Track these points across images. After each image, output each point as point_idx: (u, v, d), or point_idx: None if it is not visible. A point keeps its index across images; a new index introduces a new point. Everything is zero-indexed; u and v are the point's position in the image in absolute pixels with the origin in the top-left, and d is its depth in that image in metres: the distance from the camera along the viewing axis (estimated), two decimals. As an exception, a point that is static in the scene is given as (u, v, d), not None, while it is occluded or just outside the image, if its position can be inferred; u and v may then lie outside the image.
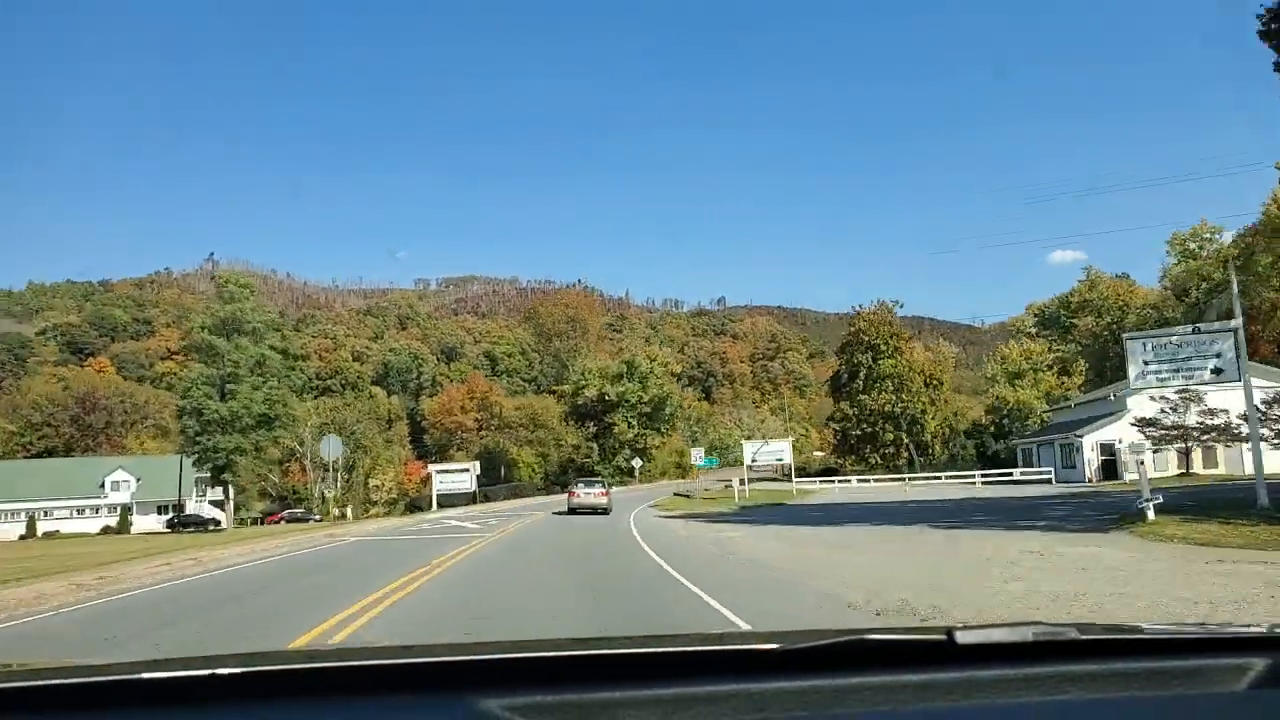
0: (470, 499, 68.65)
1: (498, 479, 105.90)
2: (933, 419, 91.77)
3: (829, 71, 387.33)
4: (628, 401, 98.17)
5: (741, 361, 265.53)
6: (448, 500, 71.48)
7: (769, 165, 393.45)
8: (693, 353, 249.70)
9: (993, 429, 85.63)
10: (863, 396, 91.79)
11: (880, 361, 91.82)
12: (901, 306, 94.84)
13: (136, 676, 1.60)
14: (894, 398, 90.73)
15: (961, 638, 1.73)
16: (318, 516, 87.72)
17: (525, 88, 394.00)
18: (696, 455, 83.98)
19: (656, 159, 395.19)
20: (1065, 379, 79.58)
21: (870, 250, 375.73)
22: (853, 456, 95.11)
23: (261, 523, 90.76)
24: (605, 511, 42.79)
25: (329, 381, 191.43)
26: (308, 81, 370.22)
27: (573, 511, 42.94)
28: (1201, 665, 1.76)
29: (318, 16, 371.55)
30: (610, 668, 1.72)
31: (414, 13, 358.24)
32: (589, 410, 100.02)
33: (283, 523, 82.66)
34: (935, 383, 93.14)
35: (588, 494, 44.10)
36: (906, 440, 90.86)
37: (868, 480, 76.28)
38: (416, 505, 79.86)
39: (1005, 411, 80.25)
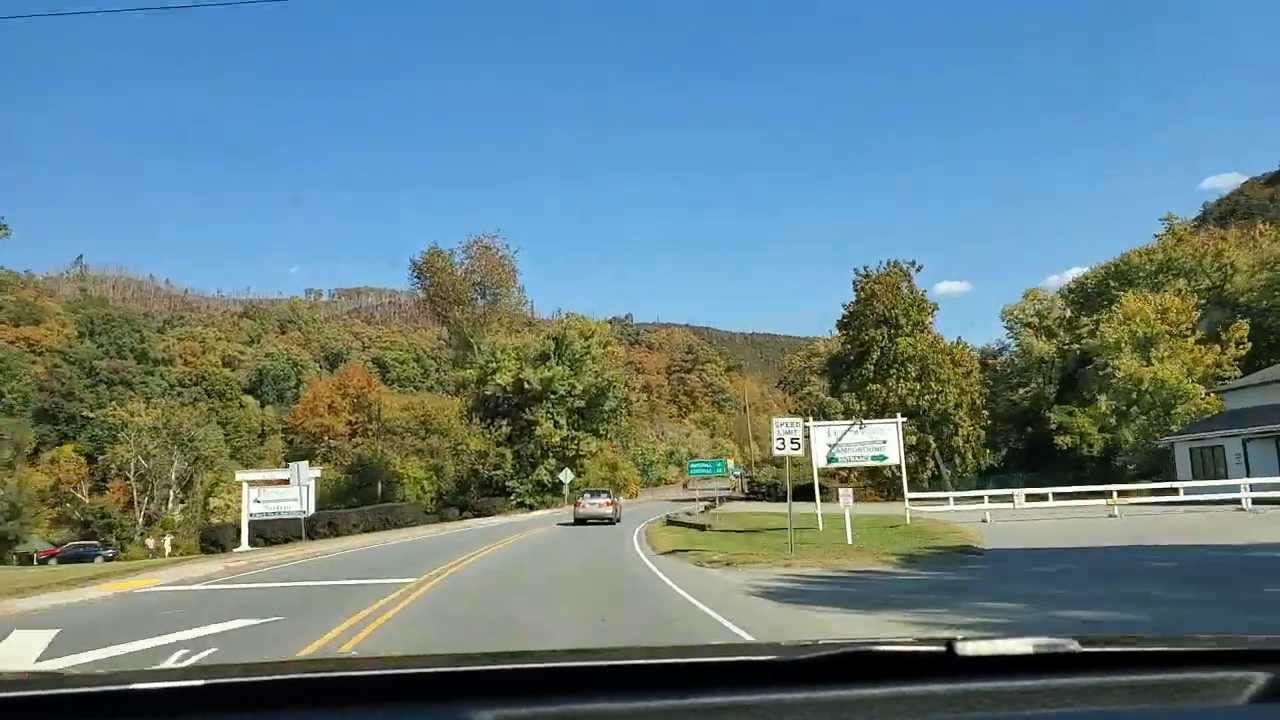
0: (304, 529, 39.62)
1: (373, 497, 78.19)
2: (967, 418, 66.50)
3: (750, 75, 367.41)
4: (554, 393, 70.13)
5: (658, 373, 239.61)
6: (268, 528, 42.61)
7: (670, 180, 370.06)
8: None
9: (1102, 425, 60.39)
10: (874, 386, 66.00)
11: (898, 340, 66.25)
12: (920, 270, 69.46)
13: (127, 687, 1.54)
14: (916, 386, 65.31)
15: (962, 649, 1.65)
16: (110, 553, 63.71)
17: (421, 89, 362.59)
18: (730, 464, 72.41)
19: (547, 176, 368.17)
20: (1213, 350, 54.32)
21: (780, 269, 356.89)
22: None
23: (34, 561, 60.59)
24: (613, 521, 42.17)
25: (194, 389, 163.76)
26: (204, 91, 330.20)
27: (579, 522, 42.36)
28: (1203, 678, 1.69)
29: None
30: (606, 679, 1.64)
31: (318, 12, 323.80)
32: (501, 404, 71.64)
33: (53, 562, 53.98)
34: (965, 370, 68.20)
35: (593, 504, 43.70)
36: (934, 445, 65.37)
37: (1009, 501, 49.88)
38: (214, 540, 49.63)
39: (1134, 396, 54.62)
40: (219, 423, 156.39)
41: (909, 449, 64.60)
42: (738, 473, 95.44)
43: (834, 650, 1.67)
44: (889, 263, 68.38)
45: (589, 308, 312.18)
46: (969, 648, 1.66)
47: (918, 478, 65.22)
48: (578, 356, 71.96)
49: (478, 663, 1.75)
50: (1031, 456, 73.56)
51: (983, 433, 68.36)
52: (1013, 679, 1.65)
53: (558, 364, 69.97)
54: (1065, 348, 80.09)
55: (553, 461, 70.87)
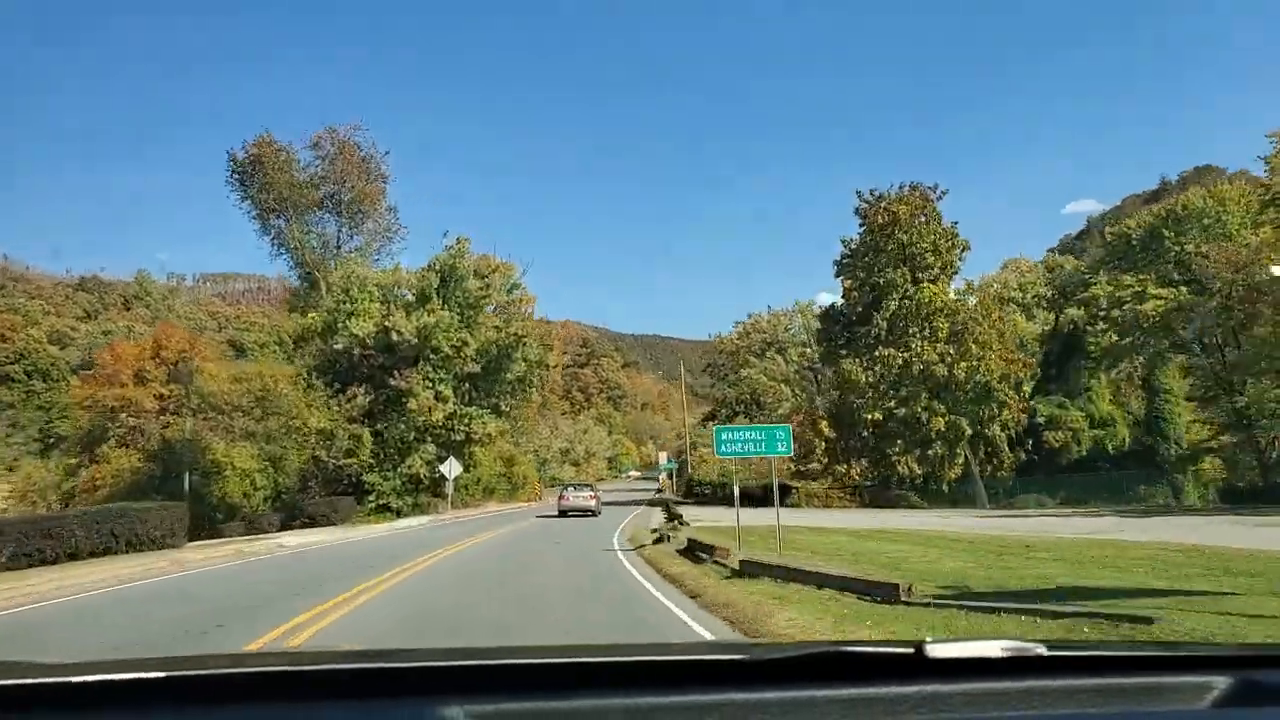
0: None
1: (179, 493, 54.60)
2: (1014, 397, 47.33)
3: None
4: (436, 350, 47.80)
5: (543, 388, 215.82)
6: None
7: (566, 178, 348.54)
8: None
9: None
10: (886, 351, 46.34)
11: (923, 287, 46.75)
12: (944, 197, 49.85)
13: (87, 679, 1.50)
14: (950, 350, 45.93)
15: (931, 651, 1.64)
16: None
17: (298, 78, 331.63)
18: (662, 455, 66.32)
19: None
20: None
21: (672, 272, 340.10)
22: (844, 466, 48.91)
23: None
24: (595, 514, 42.30)
25: (10, 368, 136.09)
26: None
27: (563, 514, 42.14)
28: (1167, 683, 1.70)
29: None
30: (577, 676, 1.61)
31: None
32: (359, 366, 48.80)
33: None
34: (1002, 336, 49.12)
35: (577, 497, 43.56)
36: (967, 432, 45.99)
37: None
38: None
39: None
40: (40, 407, 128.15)
41: (936, 436, 45.18)
42: (669, 467, 74.73)
43: (805, 651, 1.65)
44: (904, 186, 48.68)
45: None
46: (938, 650, 1.63)
47: (938, 477, 45.76)
48: (472, 301, 49.79)
49: (451, 658, 1.70)
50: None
51: (1024, 419, 49.32)
52: (981, 681, 1.62)
53: (443, 309, 47.64)
54: (1054, 325, 62.69)
55: (431, 448, 48.59)
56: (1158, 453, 57.30)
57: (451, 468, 46.21)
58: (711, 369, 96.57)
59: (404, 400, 47.39)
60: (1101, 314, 69.62)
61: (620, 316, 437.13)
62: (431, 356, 47.88)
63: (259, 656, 2.15)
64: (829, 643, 1.69)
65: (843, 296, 50.32)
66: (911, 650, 1.65)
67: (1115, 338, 56.50)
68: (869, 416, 45.33)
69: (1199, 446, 58.64)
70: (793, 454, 67.25)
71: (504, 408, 51.31)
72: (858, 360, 46.72)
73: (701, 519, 33.77)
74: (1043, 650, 1.71)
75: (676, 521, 28.36)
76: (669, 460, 74.80)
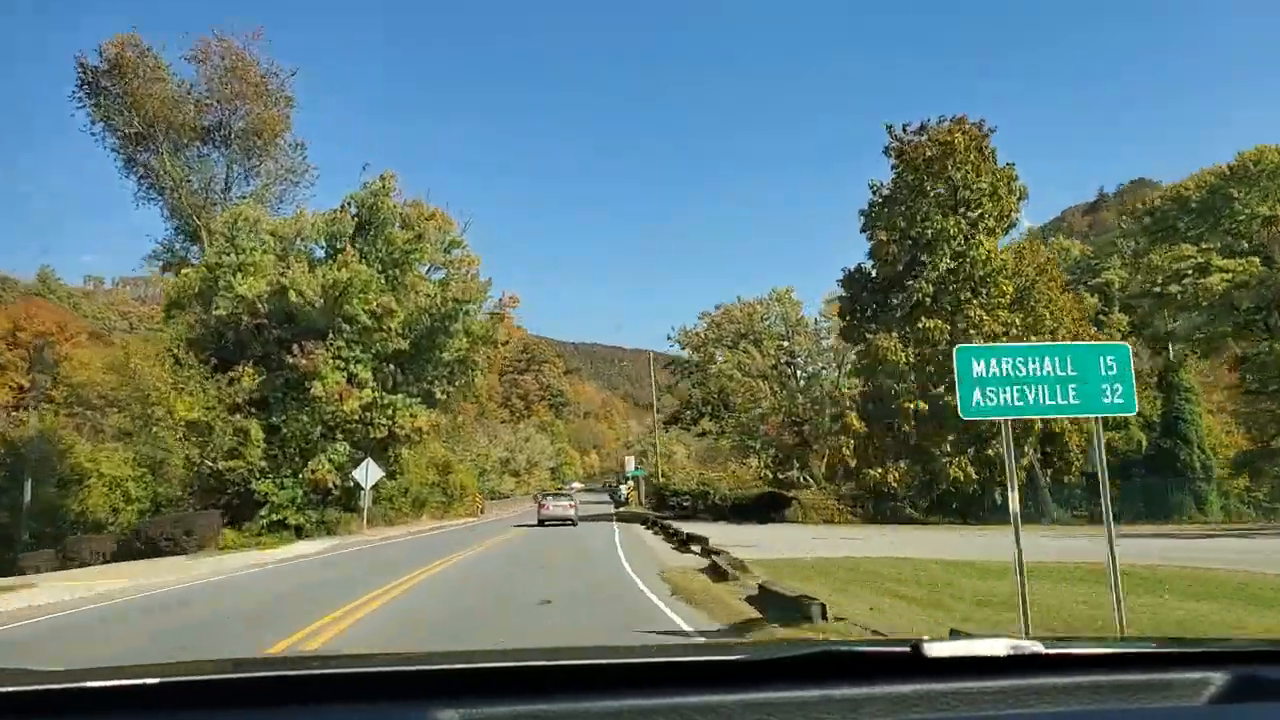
0: None
1: (17, 506, 44.29)
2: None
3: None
4: (352, 320, 35.93)
5: (489, 372, 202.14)
6: None
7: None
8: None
9: None
10: (930, 323, 35.93)
11: (976, 241, 36.45)
12: (991, 134, 39.40)
13: (82, 685, 1.47)
14: (1015, 320, 35.64)
15: (929, 650, 1.62)
16: None
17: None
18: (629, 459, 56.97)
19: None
20: None
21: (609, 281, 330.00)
22: (877, 470, 38.16)
23: None
24: (573, 523, 39.43)
25: None
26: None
27: (542, 523, 39.33)
28: (1164, 679, 1.68)
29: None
30: (572, 679, 1.59)
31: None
32: (248, 340, 36.62)
33: None
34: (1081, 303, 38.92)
35: (557, 506, 41.05)
36: (1038, 427, 35.63)
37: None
38: None
39: None
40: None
41: (996, 432, 34.66)
42: (637, 475, 63.60)
43: (803, 651, 1.63)
44: (949, 119, 38.26)
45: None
46: (935, 649, 1.61)
47: (998, 484, 35.61)
48: (399, 258, 38.01)
49: (445, 661, 1.66)
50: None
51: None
52: (979, 679, 1.60)
53: (365, 255, 35.85)
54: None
55: (344, 448, 36.73)
56: (1178, 459, 48.21)
57: (368, 473, 34.47)
58: (674, 366, 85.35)
59: (307, 384, 35.42)
60: (1121, 296, 61.19)
61: (558, 325, 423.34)
62: (345, 328, 36.01)
63: (252, 662, 1.91)
64: (826, 642, 1.71)
65: (870, 256, 39.60)
66: (909, 650, 1.61)
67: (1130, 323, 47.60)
68: (909, 406, 34.72)
69: (1253, 451, 49.66)
70: (774, 455, 55.14)
71: (439, 395, 39.43)
72: (891, 332, 36.15)
73: (715, 538, 23.02)
74: (1040, 648, 1.67)
75: (706, 550, 17.66)
76: (635, 467, 63.84)
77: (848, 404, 39.96)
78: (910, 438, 36.32)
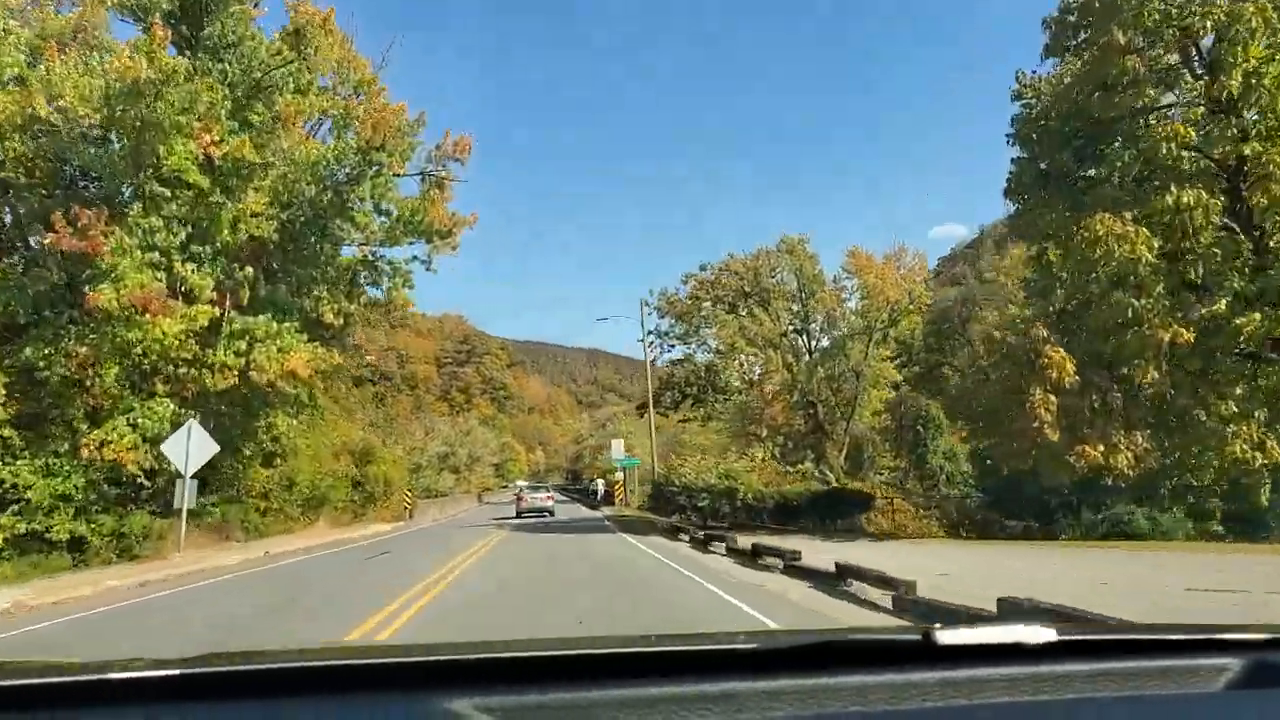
0: None
1: None
2: None
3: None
4: (165, 179, 19.37)
5: (426, 362, 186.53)
6: None
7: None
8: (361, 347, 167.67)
9: None
10: (1179, 195, 20.85)
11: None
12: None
13: (104, 677, 1.46)
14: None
15: (940, 638, 1.59)
16: None
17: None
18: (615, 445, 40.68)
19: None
20: None
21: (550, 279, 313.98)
22: (1098, 446, 22.30)
23: None
24: (551, 514, 40.99)
25: None
26: None
27: (520, 515, 40.30)
28: (1179, 665, 1.64)
29: None
30: (585, 667, 1.56)
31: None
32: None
33: None
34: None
35: (534, 498, 42.51)
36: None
37: None
38: None
39: None
40: None
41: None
42: (629, 464, 47.68)
43: (814, 639, 1.61)
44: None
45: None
46: (946, 636, 1.59)
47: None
48: (268, 80, 21.72)
49: (458, 651, 1.65)
50: None
51: None
52: (990, 667, 1.58)
53: (194, 78, 19.53)
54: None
55: (166, 406, 20.49)
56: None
57: (191, 445, 18.30)
58: (654, 336, 68.64)
59: (86, 289, 19.07)
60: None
61: (501, 321, 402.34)
62: (161, 193, 19.76)
63: (267, 654, 1.71)
64: (838, 630, 1.61)
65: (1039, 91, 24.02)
66: (920, 637, 1.59)
67: None
68: (1162, 333, 19.52)
69: None
70: (781, 444, 41.67)
71: (330, 318, 22.79)
72: (1121, 215, 20.86)
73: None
74: (1052, 635, 1.63)
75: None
76: (626, 456, 47.93)
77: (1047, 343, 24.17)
78: (1156, 399, 21.04)
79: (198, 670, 1.48)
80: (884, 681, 1.52)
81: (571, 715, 1.43)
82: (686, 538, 23.53)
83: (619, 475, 47.05)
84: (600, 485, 56.19)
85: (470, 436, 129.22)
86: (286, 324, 21.01)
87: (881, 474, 53.57)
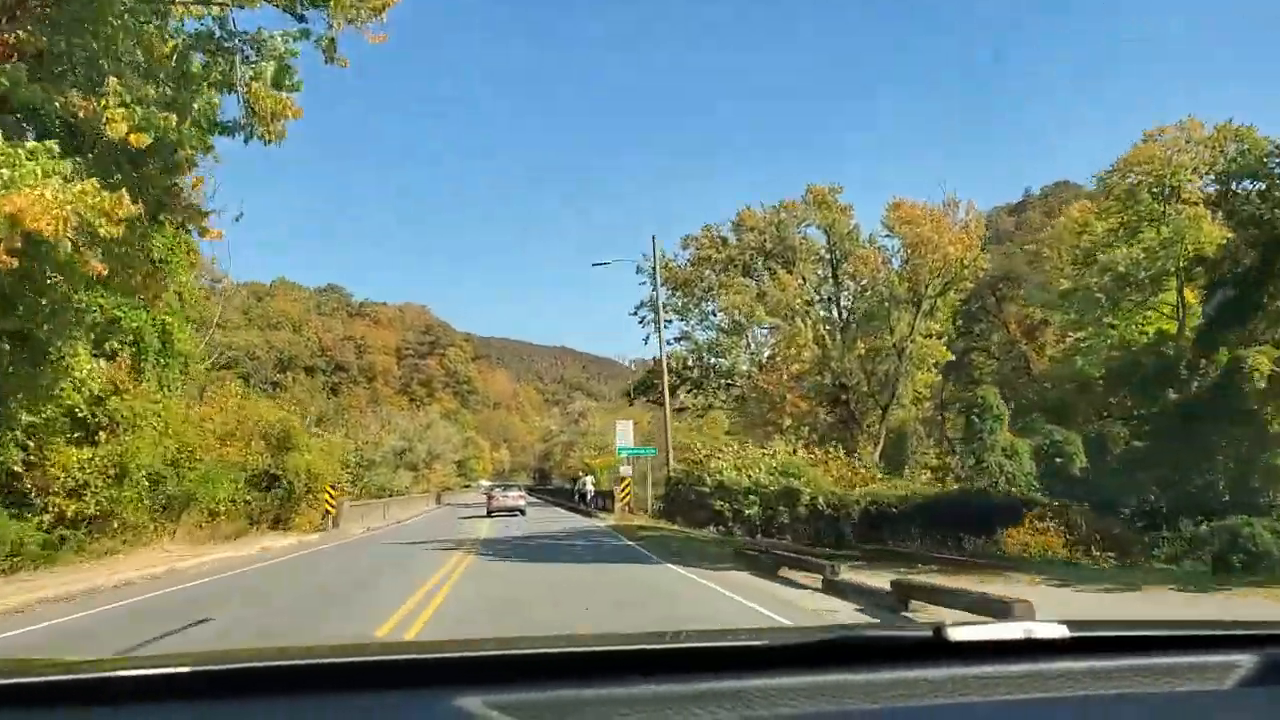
0: None
1: None
2: None
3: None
4: None
5: (386, 353, 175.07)
6: None
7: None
8: (315, 335, 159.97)
9: None
10: None
11: None
12: None
13: (113, 674, 1.48)
14: None
15: (951, 634, 1.59)
16: None
17: None
18: (622, 429, 35.94)
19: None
20: None
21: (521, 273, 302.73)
22: None
23: None
24: (522, 513, 40.95)
25: None
26: None
27: (491, 514, 40.00)
28: (1190, 662, 1.63)
29: None
30: (595, 665, 1.56)
31: None
32: None
33: None
34: None
35: (505, 498, 42.06)
36: None
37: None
38: None
39: None
40: None
41: None
42: (643, 453, 36.76)
43: (824, 636, 1.61)
44: None
45: (301, 276, 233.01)
46: (957, 633, 1.59)
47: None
48: None
49: (468, 649, 1.67)
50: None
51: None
52: (1002, 664, 1.58)
53: None
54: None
55: None
56: None
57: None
58: (644, 310, 56.95)
59: None
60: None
61: (465, 316, 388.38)
62: None
63: (279, 651, 1.87)
64: (848, 627, 1.62)
65: None
66: (931, 634, 1.58)
67: None
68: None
69: None
70: (807, 436, 31.44)
71: (126, 131, 11.50)
72: None
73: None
74: (1064, 632, 1.62)
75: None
76: (634, 443, 36.81)
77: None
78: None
79: (208, 668, 1.47)
80: (895, 678, 1.49)
81: (582, 711, 1.39)
82: (799, 573, 12.87)
83: (625, 470, 36.09)
84: (589, 485, 45.29)
85: (430, 431, 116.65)
86: (31, 139, 10.05)
87: (924, 474, 43.46)
